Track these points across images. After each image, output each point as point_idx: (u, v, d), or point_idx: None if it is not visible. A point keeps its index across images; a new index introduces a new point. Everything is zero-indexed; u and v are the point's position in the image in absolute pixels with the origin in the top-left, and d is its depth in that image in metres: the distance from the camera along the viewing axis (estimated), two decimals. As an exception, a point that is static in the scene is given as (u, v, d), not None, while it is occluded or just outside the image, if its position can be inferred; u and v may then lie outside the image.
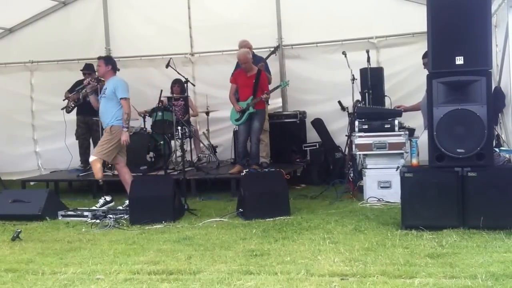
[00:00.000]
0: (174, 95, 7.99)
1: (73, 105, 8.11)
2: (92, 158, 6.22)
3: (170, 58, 7.58)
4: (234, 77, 7.21)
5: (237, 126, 7.30)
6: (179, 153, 7.85)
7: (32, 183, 8.02)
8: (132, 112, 7.68)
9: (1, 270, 3.96)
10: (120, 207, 6.10)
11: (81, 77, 8.41)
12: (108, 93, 6.13)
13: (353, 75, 7.05)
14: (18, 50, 9.17)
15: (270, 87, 7.20)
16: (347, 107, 7.18)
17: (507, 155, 5.28)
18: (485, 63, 4.53)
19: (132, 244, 4.60)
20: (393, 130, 6.14)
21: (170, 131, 7.48)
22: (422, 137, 5.48)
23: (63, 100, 8.10)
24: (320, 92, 8.38)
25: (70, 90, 8.21)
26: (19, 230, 4.95)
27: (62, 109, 8.04)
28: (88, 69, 8.35)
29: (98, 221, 5.51)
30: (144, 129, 7.80)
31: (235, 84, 7.15)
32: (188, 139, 7.82)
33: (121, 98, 6.08)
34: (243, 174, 6.29)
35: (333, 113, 7.97)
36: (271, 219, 5.29)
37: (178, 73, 7.60)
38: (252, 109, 6.97)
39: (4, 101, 9.25)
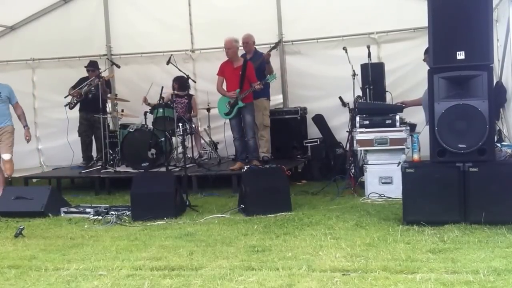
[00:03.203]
0: (175, 92, 7.98)
1: (75, 101, 8.13)
2: (8, 157, 6.83)
3: (171, 55, 7.58)
4: (221, 69, 7.13)
5: (229, 121, 7.25)
6: (180, 149, 7.87)
7: (34, 180, 8.04)
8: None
9: (4, 267, 3.97)
10: None
11: (82, 74, 8.43)
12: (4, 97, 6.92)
13: (353, 70, 7.04)
14: (20, 47, 9.17)
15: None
16: (348, 103, 7.17)
17: (508, 150, 5.27)
18: (486, 58, 4.52)
19: (134, 240, 4.61)
20: (394, 126, 6.14)
21: (171, 128, 7.49)
22: (424, 133, 5.48)
23: (65, 97, 8.13)
24: (321, 88, 8.37)
25: (75, 87, 8.23)
26: (22, 227, 4.97)
27: (66, 105, 8.07)
28: (91, 66, 8.37)
29: (100, 217, 5.52)
30: (145, 126, 7.80)
31: (222, 77, 7.10)
32: (189, 135, 7.83)
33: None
34: (244, 170, 6.29)
35: (334, 109, 7.95)
36: (273, 215, 5.30)
37: (179, 69, 7.60)
38: (241, 103, 6.94)
39: (6, 98, 9.26)
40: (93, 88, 8.02)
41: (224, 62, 7.19)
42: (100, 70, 8.20)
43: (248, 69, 6.94)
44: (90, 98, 8.11)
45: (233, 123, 7.13)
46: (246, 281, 3.37)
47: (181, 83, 7.97)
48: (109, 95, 8.29)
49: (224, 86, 7.21)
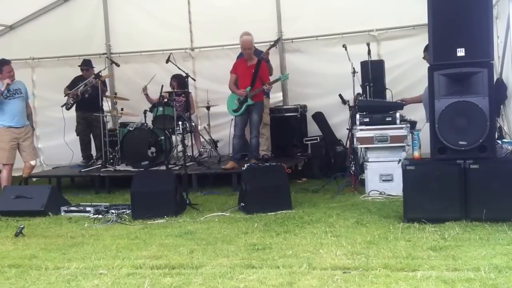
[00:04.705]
0: (174, 90, 7.97)
1: (72, 102, 8.12)
2: (35, 163, 6.99)
3: (170, 53, 7.57)
4: (234, 67, 7.13)
5: (234, 118, 7.25)
6: (180, 148, 7.87)
7: (34, 179, 8.03)
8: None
9: (4, 266, 3.97)
10: None
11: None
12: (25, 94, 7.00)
13: (353, 68, 7.03)
14: (19, 46, 9.15)
15: (271, 78, 7.16)
16: (348, 101, 7.17)
17: (509, 147, 5.27)
18: (487, 55, 4.51)
19: (134, 239, 4.60)
20: (395, 123, 6.13)
21: (171, 126, 7.48)
22: (424, 130, 5.47)
23: (65, 96, 8.13)
24: (321, 85, 8.36)
25: (70, 87, 8.22)
26: (22, 226, 4.97)
27: (62, 106, 8.05)
28: (86, 64, 8.36)
29: (100, 216, 5.52)
30: (145, 124, 7.79)
31: (235, 74, 7.09)
32: (189, 134, 7.82)
33: None
34: (244, 168, 6.29)
35: (334, 106, 7.96)
36: (273, 213, 5.29)
37: (179, 68, 7.59)
38: (250, 101, 6.93)
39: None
40: (89, 88, 8.02)
41: (238, 60, 7.23)
42: (100, 69, 8.17)
43: (262, 69, 6.94)
44: (87, 97, 8.11)
45: (237, 120, 7.10)
46: (247, 279, 3.37)
47: (180, 81, 7.96)
48: (107, 94, 8.29)
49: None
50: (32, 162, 6.90)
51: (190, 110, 8.15)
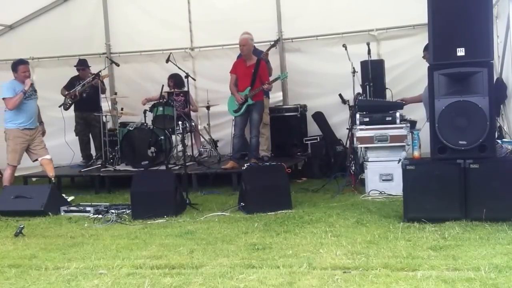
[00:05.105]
0: (175, 90, 7.97)
1: (70, 102, 8.11)
2: (50, 157, 6.80)
3: (170, 53, 7.56)
4: (233, 67, 7.14)
5: (234, 118, 7.25)
6: (180, 147, 7.86)
7: (34, 179, 8.02)
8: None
9: (4, 266, 3.97)
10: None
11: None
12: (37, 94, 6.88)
13: (353, 67, 7.03)
14: (19, 46, 9.13)
15: (270, 79, 7.16)
16: (348, 100, 7.17)
17: (509, 147, 5.27)
18: (487, 54, 4.52)
19: (134, 239, 4.61)
20: (395, 123, 6.13)
21: (171, 126, 7.48)
22: (424, 129, 5.47)
23: (65, 96, 8.13)
24: (321, 85, 8.36)
25: (66, 87, 8.22)
26: (22, 226, 4.97)
27: (60, 106, 8.05)
28: (82, 64, 8.34)
29: (100, 216, 5.51)
30: (145, 124, 7.79)
31: (235, 75, 7.10)
32: (188, 133, 7.82)
33: None
34: (244, 168, 6.29)
35: (334, 106, 7.95)
36: (273, 213, 5.29)
37: (179, 67, 7.58)
38: (250, 100, 6.93)
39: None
40: (87, 88, 8.02)
41: (237, 60, 7.24)
42: (100, 69, 8.16)
43: (261, 68, 6.94)
44: (85, 97, 8.11)
45: (238, 120, 7.10)
46: (247, 279, 3.37)
47: (177, 80, 7.96)
48: (104, 96, 8.29)
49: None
50: (48, 156, 6.83)
51: (191, 107, 8.14)
